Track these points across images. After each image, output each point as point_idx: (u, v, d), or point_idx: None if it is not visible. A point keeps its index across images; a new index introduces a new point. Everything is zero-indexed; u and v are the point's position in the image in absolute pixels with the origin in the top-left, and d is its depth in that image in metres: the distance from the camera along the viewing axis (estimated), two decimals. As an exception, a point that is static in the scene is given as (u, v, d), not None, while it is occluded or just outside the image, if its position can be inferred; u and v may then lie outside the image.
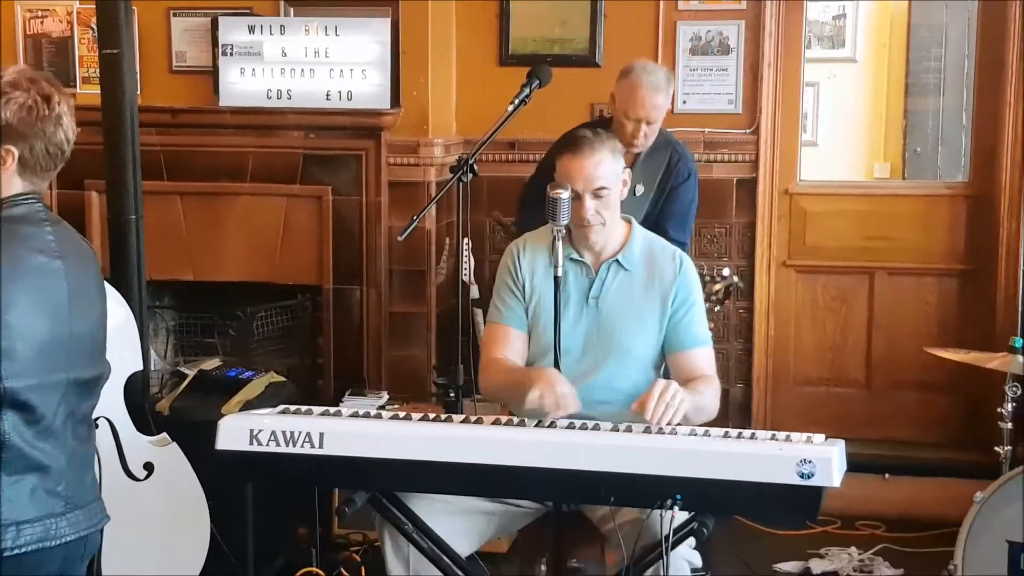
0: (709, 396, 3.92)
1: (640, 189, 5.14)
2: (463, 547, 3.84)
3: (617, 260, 4.08)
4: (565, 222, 3.84)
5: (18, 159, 2.80)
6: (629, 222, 4.18)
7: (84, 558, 3.00)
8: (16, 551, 2.73)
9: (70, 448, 2.87)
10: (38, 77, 2.85)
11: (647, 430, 3.43)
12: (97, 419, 3.12)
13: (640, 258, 4.11)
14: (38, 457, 2.77)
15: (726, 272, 4.99)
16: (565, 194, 3.87)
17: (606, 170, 3.96)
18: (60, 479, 2.83)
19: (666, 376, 4.05)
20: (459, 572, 3.68)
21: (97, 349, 3.01)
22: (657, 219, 5.09)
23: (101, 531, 3.04)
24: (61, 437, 2.84)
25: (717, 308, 5.10)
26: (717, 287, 4.94)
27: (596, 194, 3.94)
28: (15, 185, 2.83)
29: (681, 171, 5.26)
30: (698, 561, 4.12)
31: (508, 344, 4.15)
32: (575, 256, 4.01)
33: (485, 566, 3.99)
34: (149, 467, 4.66)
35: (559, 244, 3.81)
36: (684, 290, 4.06)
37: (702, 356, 4.08)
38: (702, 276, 4.83)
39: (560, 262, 3.80)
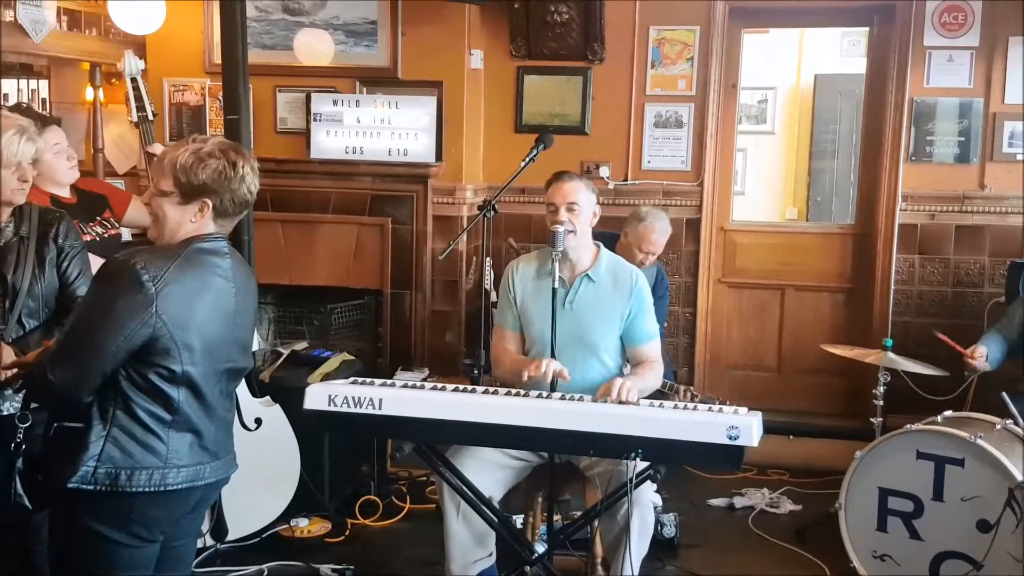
0: (650, 378, 3.97)
1: None
2: (494, 493, 3.85)
3: (587, 275, 4.07)
4: (561, 248, 3.87)
5: (212, 208, 2.82)
6: (599, 247, 4.19)
7: (218, 488, 3.03)
8: (175, 486, 2.76)
9: (219, 416, 2.91)
10: (229, 147, 2.85)
11: (617, 403, 3.44)
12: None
13: (606, 273, 4.09)
14: (197, 422, 2.81)
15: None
16: (562, 228, 3.90)
17: (579, 194, 4.01)
18: (210, 439, 2.87)
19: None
20: (479, 503, 3.69)
21: (247, 347, 3.03)
22: None
23: None
24: (214, 409, 2.87)
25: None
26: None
27: (569, 207, 3.99)
28: (209, 227, 2.84)
29: (663, 285, 5.41)
30: (660, 502, 4.13)
31: (508, 341, 4.16)
32: (559, 273, 4.00)
33: (499, 502, 3.99)
34: (259, 421, 4.69)
35: (556, 264, 3.83)
36: (639, 299, 4.06)
37: (651, 347, 4.10)
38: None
39: (557, 275, 3.83)
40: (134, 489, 2.69)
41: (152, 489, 2.72)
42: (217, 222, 2.86)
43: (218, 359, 2.83)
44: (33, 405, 3.07)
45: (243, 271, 2.98)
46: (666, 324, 5.43)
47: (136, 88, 4.63)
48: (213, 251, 2.84)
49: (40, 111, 6.36)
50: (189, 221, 2.82)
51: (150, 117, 4.62)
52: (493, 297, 5.28)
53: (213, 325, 2.80)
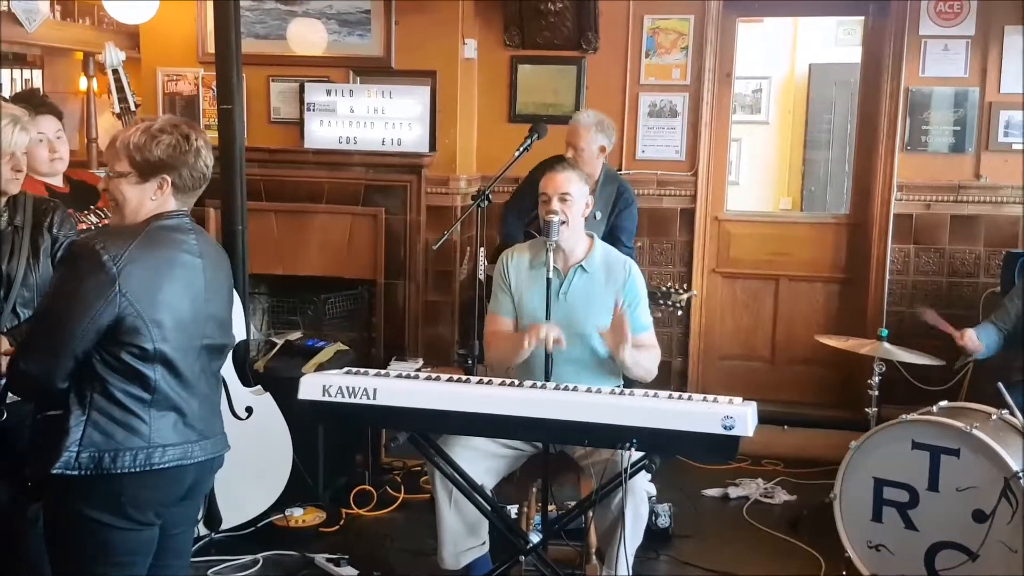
0: (645, 356, 3.98)
1: (599, 215, 5.12)
2: (486, 482, 3.85)
3: (581, 265, 4.07)
4: (555, 238, 3.86)
5: (172, 184, 2.83)
6: (592, 238, 4.18)
7: (213, 471, 3.03)
8: (162, 466, 2.76)
9: (202, 394, 2.90)
10: (179, 122, 2.87)
11: (612, 392, 3.43)
12: (215, 374, 3.14)
13: (599, 264, 4.09)
14: (177, 400, 2.80)
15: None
16: (556, 218, 3.90)
17: (571, 185, 4.01)
18: (195, 417, 2.86)
19: None
20: (472, 492, 3.69)
21: (224, 324, 3.03)
22: (611, 232, 5.06)
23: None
24: (196, 386, 2.86)
25: (680, 312, 5.20)
26: (683, 297, 4.97)
27: (562, 198, 3.99)
28: (170, 203, 2.85)
29: (625, 199, 5.22)
30: (654, 491, 4.13)
31: (501, 325, 4.14)
32: (552, 263, 3.98)
33: (491, 491, 3.99)
34: (249, 410, 4.67)
35: (551, 254, 3.83)
36: (632, 290, 4.05)
37: (645, 337, 4.08)
38: (668, 288, 4.91)
39: (551, 265, 3.82)
40: (120, 471, 2.69)
41: (138, 469, 2.71)
42: (177, 198, 2.87)
43: (193, 335, 2.83)
44: (15, 398, 3.07)
45: (212, 246, 2.99)
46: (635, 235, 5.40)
47: (118, 79, 4.61)
48: (176, 228, 2.85)
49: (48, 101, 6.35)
50: (149, 199, 2.83)
51: (132, 108, 4.60)
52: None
53: (183, 301, 2.79)
